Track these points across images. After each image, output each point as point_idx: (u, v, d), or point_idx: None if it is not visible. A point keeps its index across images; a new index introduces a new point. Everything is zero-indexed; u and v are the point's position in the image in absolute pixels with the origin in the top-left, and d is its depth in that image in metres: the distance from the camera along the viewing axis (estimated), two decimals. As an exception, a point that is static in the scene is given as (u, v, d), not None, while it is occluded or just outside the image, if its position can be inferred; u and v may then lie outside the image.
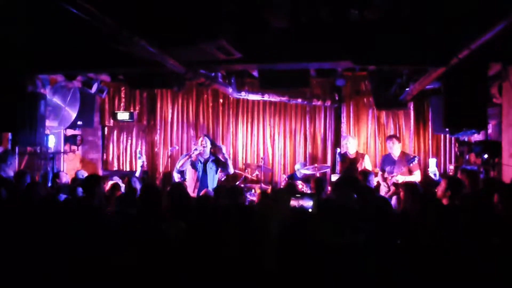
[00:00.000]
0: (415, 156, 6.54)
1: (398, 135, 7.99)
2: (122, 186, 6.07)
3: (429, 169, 6.78)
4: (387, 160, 6.85)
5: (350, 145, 7.24)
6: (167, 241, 2.83)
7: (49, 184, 6.50)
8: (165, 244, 2.79)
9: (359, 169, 6.96)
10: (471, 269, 2.70)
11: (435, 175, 6.87)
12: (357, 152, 7.32)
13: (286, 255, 2.75)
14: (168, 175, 7.87)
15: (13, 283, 2.73)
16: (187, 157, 6.41)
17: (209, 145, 6.46)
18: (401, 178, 6.28)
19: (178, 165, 6.56)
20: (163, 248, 2.73)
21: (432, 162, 7.11)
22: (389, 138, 6.94)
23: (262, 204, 3.65)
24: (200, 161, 6.40)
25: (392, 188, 6.33)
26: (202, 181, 6.41)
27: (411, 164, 6.40)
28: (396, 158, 6.69)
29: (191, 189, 6.41)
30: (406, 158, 6.55)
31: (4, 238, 3.13)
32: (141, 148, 8.86)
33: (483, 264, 2.71)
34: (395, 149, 6.75)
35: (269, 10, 4.52)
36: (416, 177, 6.44)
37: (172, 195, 4.01)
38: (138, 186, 5.59)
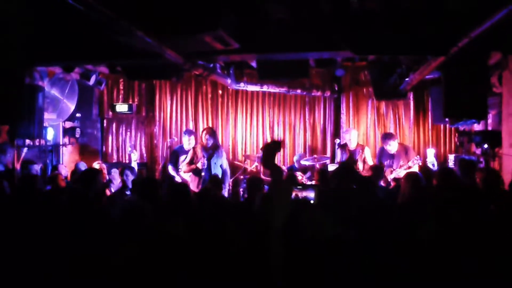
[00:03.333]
0: (416, 158, 6.32)
1: (399, 126, 7.98)
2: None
3: (427, 159, 6.77)
4: (384, 153, 6.70)
5: (353, 139, 7.07)
6: (165, 237, 2.81)
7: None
8: (163, 241, 2.77)
9: (359, 160, 6.93)
10: (467, 264, 2.69)
11: (433, 165, 6.87)
12: (357, 143, 7.26)
13: (289, 248, 2.73)
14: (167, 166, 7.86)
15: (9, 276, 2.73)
16: (193, 165, 6.37)
17: (211, 140, 6.37)
18: (402, 173, 6.16)
19: (182, 169, 6.53)
20: (161, 244, 2.71)
21: (430, 152, 7.10)
22: (384, 140, 6.68)
23: (263, 197, 3.61)
24: (204, 156, 6.34)
25: (393, 183, 6.27)
26: (205, 174, 6.34)
27: (412, 164, 6.24)
28: (394, 153, 6.56)
29: (194, 184, 6.39)
30: (405, 151, 6.47)
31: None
32: (134, 141, 8.85)
33: (480, 260, 2.70)
34: (393, 147, 6.55)
35: (270, 0, 4.47)
36: (414, 169, 6.26)
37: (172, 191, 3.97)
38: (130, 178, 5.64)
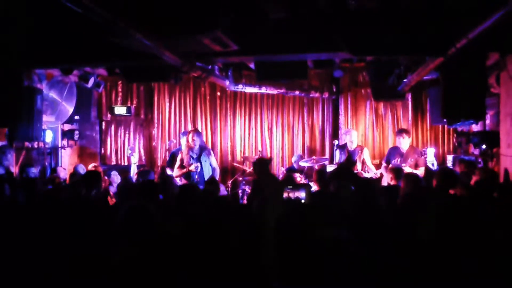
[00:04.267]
0: (425, 149, 6.50)
1: (397, 127, 8.00)
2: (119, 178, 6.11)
3: (427, 159, 6.77)
4: (394, 152, 6.77)
5: (354, 140, 7.08)
6: (165, 237, 2.81)
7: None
8: (163, 240, 2.76)
9: (358, 161, 6.95)
10: (469, 264, 2.69)
11: (433, 165, 6.87)
12: (357, 144, 7.25)
13: (284, 248, 2.73)
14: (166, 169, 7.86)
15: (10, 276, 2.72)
16: (185, 169, 6.39)
17: (198, 140, 6.44)
18: (407, 170, 6.11)
19: (174, 174, 6.55)
20: (161, 244, 2.70)
21: (430, 152, 7.10)
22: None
23: (260, 198, 3.62)
24: (193, 157, 6.39)
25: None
26: (198, 175, 6.39)
27: (422, 157, 6.33)
28: (404, 151, 6.64)
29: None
30: (414, 151, 6.54)
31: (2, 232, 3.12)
32: (133, 144, 8.83)
33: (480, 260, 2.70)
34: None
35: (267, 0, 4.48)
36: (420, 172, 6.23)
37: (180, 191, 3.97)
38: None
